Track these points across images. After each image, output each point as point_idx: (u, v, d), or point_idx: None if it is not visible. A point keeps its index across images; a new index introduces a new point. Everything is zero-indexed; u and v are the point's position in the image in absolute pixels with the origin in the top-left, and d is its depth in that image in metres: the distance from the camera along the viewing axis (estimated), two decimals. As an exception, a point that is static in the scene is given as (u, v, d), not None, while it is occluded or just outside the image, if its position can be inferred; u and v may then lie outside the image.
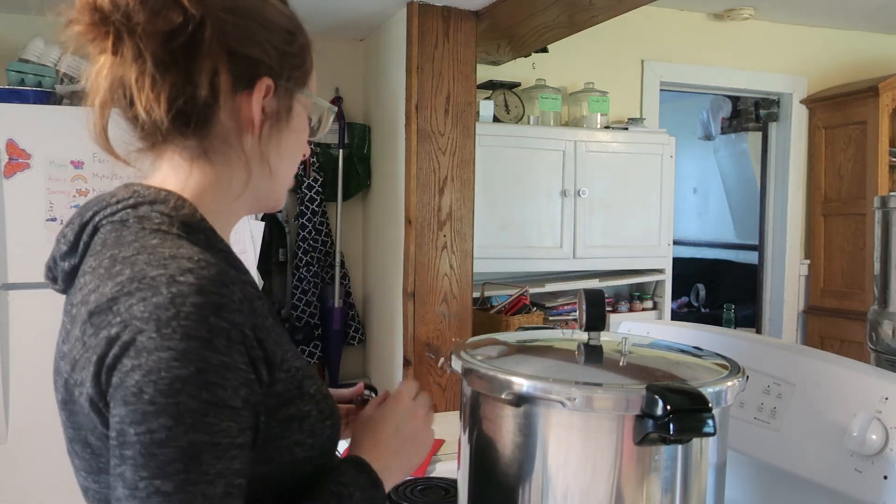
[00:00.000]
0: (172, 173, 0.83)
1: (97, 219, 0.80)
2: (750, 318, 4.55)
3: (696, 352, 0.98)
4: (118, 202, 0.80)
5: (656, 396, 0.76)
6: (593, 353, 0.95)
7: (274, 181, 0.88)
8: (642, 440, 0.78)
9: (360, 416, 0.95)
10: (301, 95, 0.87)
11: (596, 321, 0.95)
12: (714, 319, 4.86)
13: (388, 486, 0.87)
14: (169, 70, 0.76)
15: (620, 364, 0.92)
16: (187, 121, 0.78)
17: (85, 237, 0.80)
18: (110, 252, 0.76)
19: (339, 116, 3.38)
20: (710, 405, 0.77)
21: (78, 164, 2.44)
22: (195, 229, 0.78)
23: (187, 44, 0.76)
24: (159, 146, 0.82)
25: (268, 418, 0.75)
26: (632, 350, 0.95)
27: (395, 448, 0.90)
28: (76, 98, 2.60)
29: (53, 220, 2.43)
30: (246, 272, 0.81)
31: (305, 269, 3.29)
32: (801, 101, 4.15)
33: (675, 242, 3.78)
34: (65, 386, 0.76)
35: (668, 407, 0.75)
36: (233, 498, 0.69)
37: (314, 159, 3.31)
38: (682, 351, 0.99)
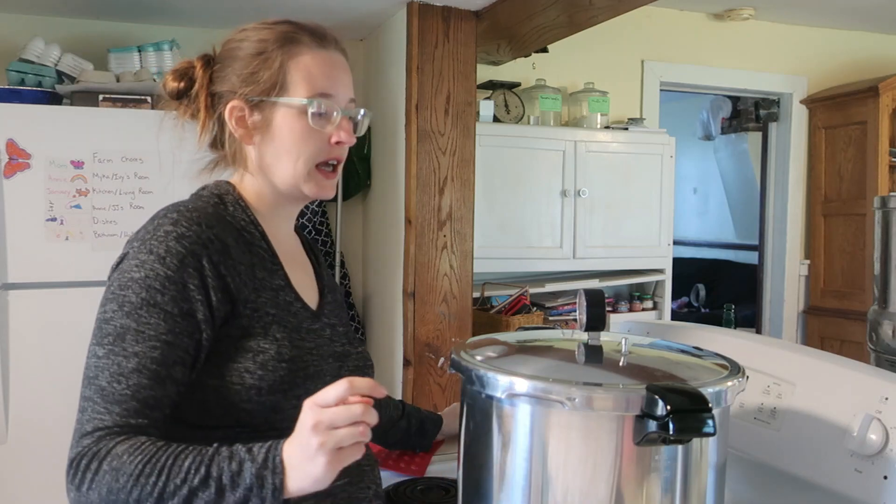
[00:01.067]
0: (232, 175, 1.13)
1: None
2: (750, 318, 4.55)
3: (696, 352, 0.98)
4: (197, 189, 1.10)
5: (656, 396, 0.76)
6: (593, 354, 0.95)
7: (282, 175, 1.07)
8: (642, 440, 0.78)
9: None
10: (278, 101, 1.05)
11: (596, 321, 0.95)
12: (714, 319, 4.86)
13: (293, 491, 0.83)
14: (193, 117, 1.10)
15: (620, 364, 0.92)
16: (215, 145, 1.11)
17: None
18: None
19: (339, 116, 3.37)
20: (710, 405, 0.77)
21: (78, 164, 2.44)
22: (227, 201, 1.06)
23: (192, 98, 1.09)
24: (221, 161, 1.13)
25: (227, 344, 0.97)
26: (632, 350, 0.95)
27: (295, 462, 0.84)
28: (76, 98, 2.60)
29: (53, 220, 2.43)
30: (262, 237, 1.06)
31: (305, 269, 3.29)
32: (801, 102, 4.15)
33: (676, 242, 3.78)
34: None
35: (669, 407, 0.76)
36: (142, 376, 0.90)
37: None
38: (682, 351, 0.99)
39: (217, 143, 1.10)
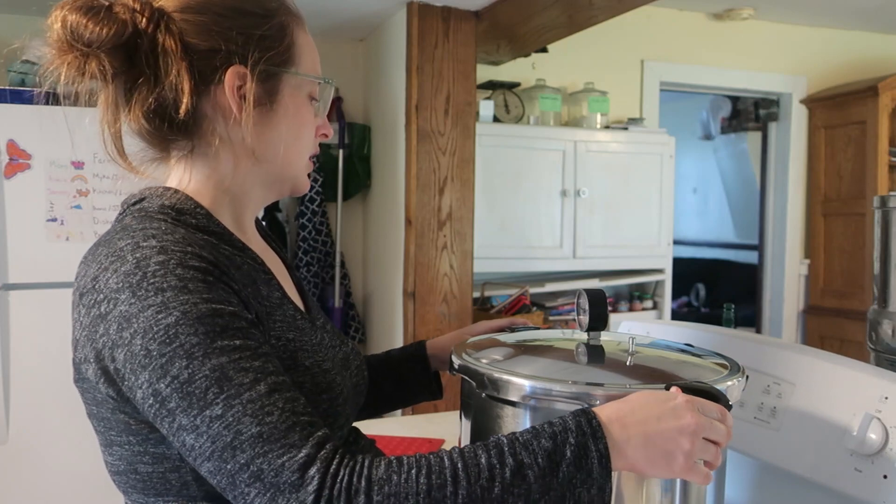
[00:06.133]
0: (178, 174, 0.88)
1: (114, 223, 0.86)
2: (750, 318, 4.55)
3: (697, 351, 0.98)
4: (128, 203, 0.88)
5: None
6: (594, 353, 0.95)
7: (280, 165, 0.89)
8: None
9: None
10: (288, 75, 0.87)
11: (598, 321, 0.95)
12: (714, 319, 4.85)
13: (623, 463, 0.73)
14: (138, 81, 0.82)
15: (621, 364, 0.92)
16: (171, 125, 0.83)
17: None
18: (98, 241, 0.82)
19: (339, 116, 3.38)
20: (730, 404, 0.79)
21: (78, 165, 2.44)
22: (184, 212, 0.83)
23: (146, 52, 0.80)
24: (166, 151, 0.88)
25: None
26: (632, 350, 0.95)
27: (643, 430, 0.73)
28: (77, 98, 2.59)
29: (54, 220, 2.43)
30: (244, 249, 0.87)
31: (305, 269, 3.29)
32: (801, 101, 4.15)
33: (675, 242, 3.78)
34: (73, 365, 0.82)
35: None
36: (279, 392, 0.71)
37: (314, 159, 3.30)
38: (683, 350, 0.99)
39: (177, 123, 0.83)
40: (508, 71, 3.58)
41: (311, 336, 0.88)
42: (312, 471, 0.67)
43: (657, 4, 3.20)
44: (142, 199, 0.86)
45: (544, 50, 3.44)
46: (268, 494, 0.67)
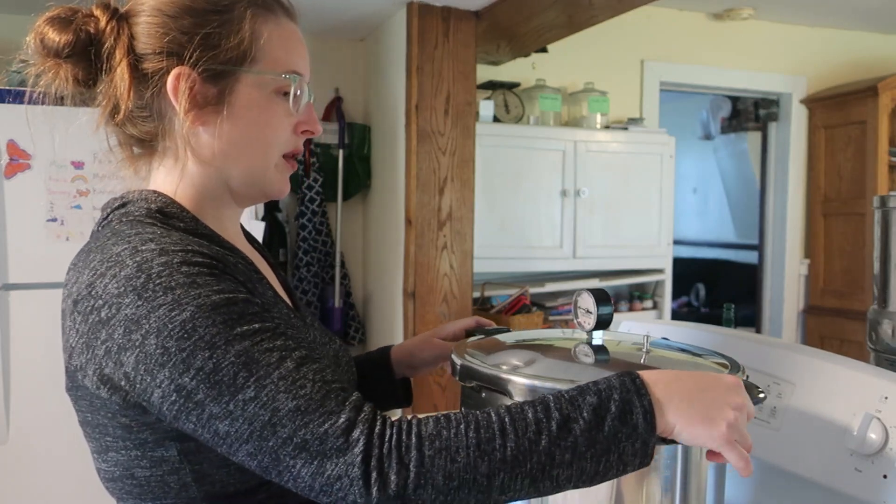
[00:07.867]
0: (155, 175, 0.89)
1: (97, 227, 0.87)
2: (750, 318, 4.55)
3: (697, 351, 0.98)
4: (110, 207, 0.87)
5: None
6: (594, 353, 0.95)
7: (244, 166, 0.87)
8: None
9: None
10: (244, 73, 0.84)
11: (603, 321, 0.95)
12: (714, 319, 4.85)
13: (665, 423, 0.73)
14: (100, 85, 0.84)
15: (626, 364, 0.92)
16: (135, 126, 0.85)
17: None
18: (88, 247, 0.82)
19: (339, 116, 3.38)
20: (763, 395, 0.82)
21: (78, 165, 2.44)
22: (171, 216, 0.84)
23: (102, 57, 0.83)
24: (146, 150, 0.88)
25: None
26: (631, 350, 0.95)
27: (688, 394, 0.75)
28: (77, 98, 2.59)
29: (54, 220, 2.43)
30: (234, 250, 0.87)
31: (305, 269, 3.29)
32: (801, 101, 4.15)
33: (675, 242, 3.78)
34: (66, 374, 0.80)
35: None
36: (307, 365, 0.72)
37: (314, 159, 3.31)
38: (683, 350, 0.99)
39: (137, 128, 0.86)
40: (508, 71, 3.58)
41: (305, 334, 0.89)
42: (356, 433, 0.68)
43: (657, 4, 3.20)
44: (125, 203, 0.86)
45: (544, 50, 3.44)
46: (315, 462, 0.68)
